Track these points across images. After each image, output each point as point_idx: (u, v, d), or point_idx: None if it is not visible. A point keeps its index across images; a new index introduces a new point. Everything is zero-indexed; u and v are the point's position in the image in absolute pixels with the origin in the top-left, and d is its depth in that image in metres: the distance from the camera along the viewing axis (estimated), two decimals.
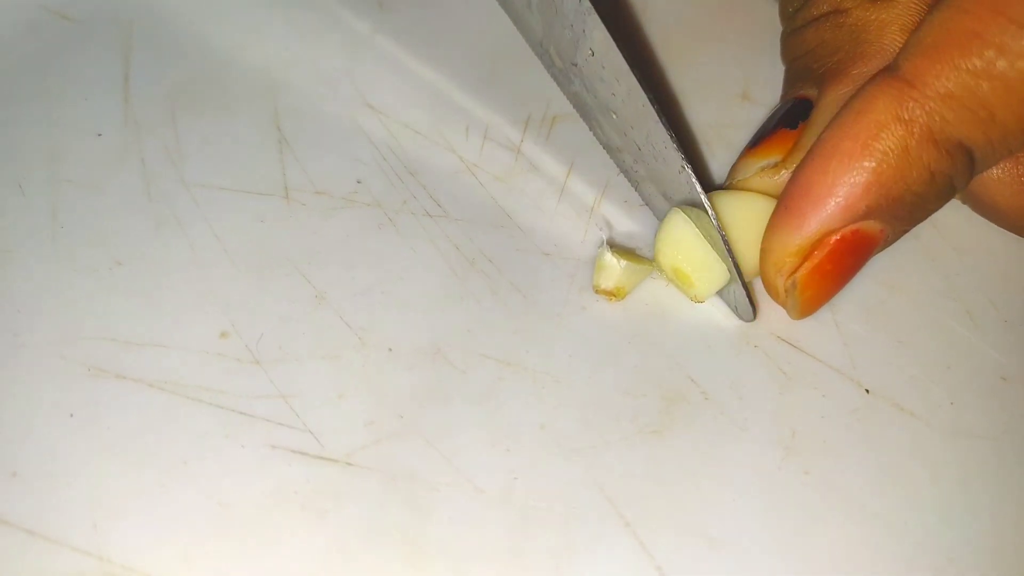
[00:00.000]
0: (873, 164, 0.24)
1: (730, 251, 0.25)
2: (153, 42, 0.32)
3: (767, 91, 0.32)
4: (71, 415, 0.24)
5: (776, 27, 0.30)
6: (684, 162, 0.25)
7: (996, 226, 0.29)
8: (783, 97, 0.29)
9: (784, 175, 0.26)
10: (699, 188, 0.25)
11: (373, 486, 0.24)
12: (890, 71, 0.24)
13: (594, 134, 0.29)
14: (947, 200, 0.25)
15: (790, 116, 0.27)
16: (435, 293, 0.27)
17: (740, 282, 0.26)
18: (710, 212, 0.25)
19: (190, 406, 0.25)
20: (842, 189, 0.24)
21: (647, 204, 0.29)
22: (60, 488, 0.23)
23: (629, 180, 0.29)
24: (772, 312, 0.27)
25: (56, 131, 0.30)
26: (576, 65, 0.27)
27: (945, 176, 0.24)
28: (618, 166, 0.29)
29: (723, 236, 0.25)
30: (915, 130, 0.23)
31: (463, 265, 0.27)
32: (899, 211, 0.24)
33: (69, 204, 0.28)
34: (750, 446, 0.25)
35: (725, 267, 0.26)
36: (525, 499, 0.24)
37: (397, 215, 0.29)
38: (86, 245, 0.27)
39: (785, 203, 0.25)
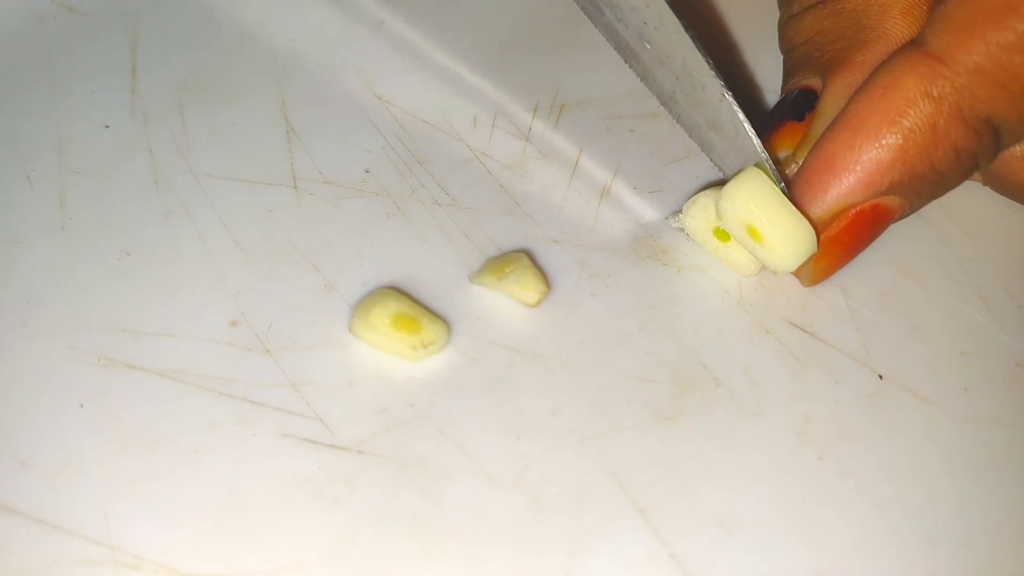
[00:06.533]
0: (899, 141, 0.23)
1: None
2: (160, 33, 0.32)
3: (774, 78, 0.31)
4: (81, 405, 0.24)
5: None
6: (724, 89, 0.24)
7: (1010, 212, 0.28)
8: (785, 87, 0.28)
9: (794, 168, 0.26)
10: (741, 115, 0.24)
11: (385, 474, 0.24)
12: (917, 46, 0.24)
13: (630, 67, 0.28)
14: (968, 177, 0.25)
15: (796, 107, 0.27)
16: (444, 282, 0.27)
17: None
18: (758, 147, 0.24)
19: (200, 395, 0.25)
20: (867, 164, 0.24)
21: (690, 136, 0.28)
22: (70, 477, 0.23)
23: (670, 113, 0.28)
24: (784, 297, 0.27)
25: (64, 122, 0.30)
26: None
27: (970, 154, 0.24)
28: (658, 99, 0.28)
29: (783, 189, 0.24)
30: (944, 107, 0.23)
31: (472, 253, 0.27)
32: (921, 188, 0.24)
33: (77, 195, 0.28)
34: (763, 432, 0.25)
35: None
36: (537, 486, 0.24)
37: (406, 204, 0.28)
38: (95, 235, 0.27)
39: (806, 176, 0.25)
